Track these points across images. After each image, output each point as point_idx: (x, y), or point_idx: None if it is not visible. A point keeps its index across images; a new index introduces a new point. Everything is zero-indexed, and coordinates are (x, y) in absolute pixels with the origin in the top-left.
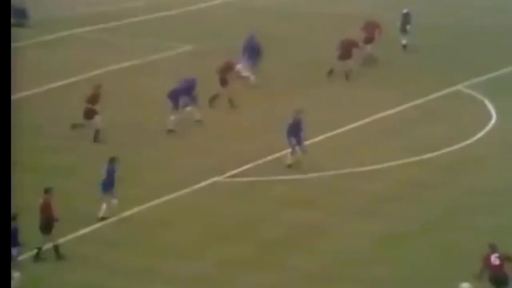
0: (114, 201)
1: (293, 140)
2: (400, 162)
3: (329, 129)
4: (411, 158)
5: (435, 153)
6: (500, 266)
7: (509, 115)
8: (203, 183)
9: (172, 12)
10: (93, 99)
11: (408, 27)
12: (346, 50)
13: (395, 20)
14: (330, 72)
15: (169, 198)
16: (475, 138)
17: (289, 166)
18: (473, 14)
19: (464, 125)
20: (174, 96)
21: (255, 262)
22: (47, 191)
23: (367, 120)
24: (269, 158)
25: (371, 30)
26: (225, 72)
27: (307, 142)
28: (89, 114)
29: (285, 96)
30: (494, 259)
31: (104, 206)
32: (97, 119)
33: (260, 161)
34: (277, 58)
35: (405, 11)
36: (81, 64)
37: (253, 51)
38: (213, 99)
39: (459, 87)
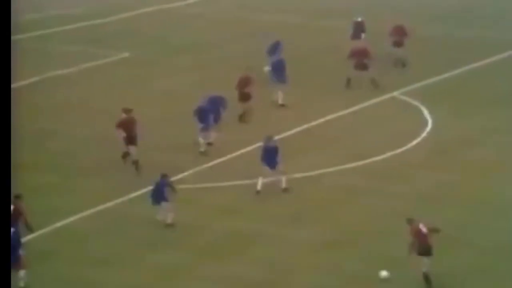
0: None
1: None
2: (334, 169)
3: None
4: (345, 165)
5: (369, 160)
6: (427, 235)
7: (444, 121)
8: (138, 192)
9: (107, 19)
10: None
11: (363, 35)
12: (360, 60)
13: (343, 28)
14: (348, 82)
15: (103, 208)
16: (411, 144)
17: (285, 190)
18: (409, 22)
19: (400, 131)
20: (203, 115)
21: (191, 270)
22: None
23: (304, 126)
24: (205, 166)
25: (399, 33)
26: (245, 87)
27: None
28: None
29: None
30: (423, 227)
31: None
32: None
33: (196, 169)
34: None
35: (359, 19)
36: (15, 72)
37: (279, 67)
38: (242, 117)
39: (395, 93)
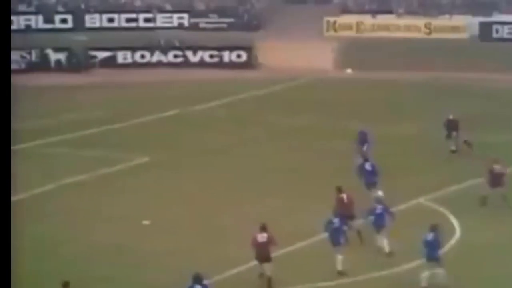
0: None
1: None
2: (362, 277)
3: None
4: (370, 273)
5: (392, 270)
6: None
7: (473, 230)
8: None
9: (127, 123)
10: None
11: (454, 133)
12: None
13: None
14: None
15: None
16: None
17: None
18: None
19: None
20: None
21: None
22: None
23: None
24: None
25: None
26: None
27: None
28: None
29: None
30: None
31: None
32: None
33: None
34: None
35: (450, 117)
36: (32, 179)
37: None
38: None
39: (421, 199)
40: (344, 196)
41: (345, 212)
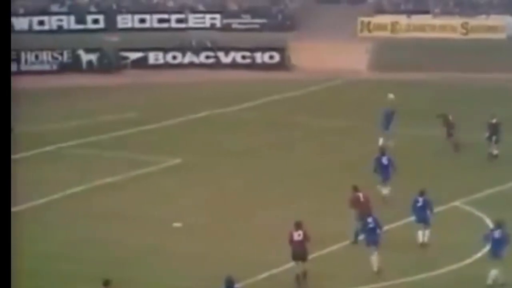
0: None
1: None
2: (389, 283)
3: None
4: (413, 276)
5: (432, 273)
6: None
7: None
8: None
9: (159, 124)
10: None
11: (494, 137)
12: None
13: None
14: None
15: None
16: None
17: None
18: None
19: (461, 243)
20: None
21: None
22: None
23: None
24: None
25: None
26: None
27: None
28: None
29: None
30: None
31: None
32: None
33: None
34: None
35: (494, 121)
36: (64, 180)
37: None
38: None
39: (457, 203)
40: (360, 195)
41: (362, 211)
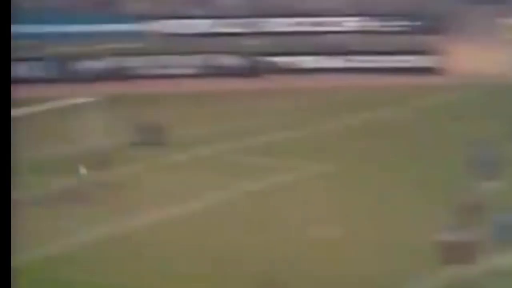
0: None
1: None
2: None
3: None
4: None
5: None
6: None
7: None
8: None
9: (301, 131)
10: None
11: None
12: None
13: None
14: None
15: None
16: None
17: None
18: None
19: None
20: None
21: None
22: None
23: None
24: None
25: None
26: None
27: None
28: None
29: None
30: None
31: None
32: None
33: None
34: None
35: None
36: (209, 186)
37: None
38: None
39: None
40: None
41: None
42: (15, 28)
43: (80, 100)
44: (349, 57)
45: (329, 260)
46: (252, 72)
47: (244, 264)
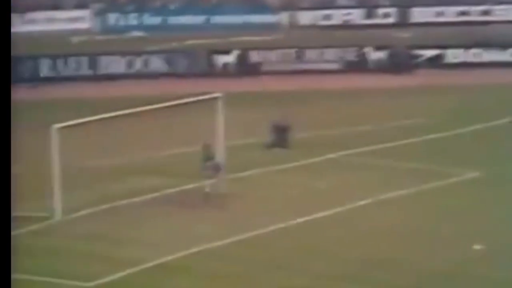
0: None
1: None
2: None
3: None
4: None
5: None
6: None
7: None
8: None
9: (451, 133)
10: None
11: None
12: None
13: None
14: None
15: None
16: None
17: None
18: None
19: None
20: None
21: None
22: None
23: None
24: None
25: None
26: None
27: None
28: None
29: None
30: None
31: None
32: None
33: None
34: None
35: None
36: (343, 192)
37: None
38: None
39: None
40: None
41: None
42: (146, 20)
43: (209, 96)
44: None
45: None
46: (400, 67)
47: (390, 276)
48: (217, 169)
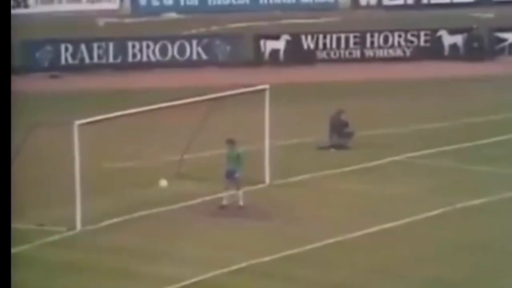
0: None
1: None
2: None
3: None
4: None
5: None
6: None
7: None
8: None
9: None
10: None
11: None
12: None
13: None
14: None
15: None
16: None
17: None
18: None
19: None
20: None
21: None
22: None
23: None
24: None
25: None
26: None
27: None
28: None
29: None
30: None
31: None
32: None
33: None
34: None
35: None
36: (411, 201)
37: None
38: None
39: None
40: None
41: None
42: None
43: (255, 89)
44: None
45: None
46: (481, 53)
47: None
48: (233, 177)
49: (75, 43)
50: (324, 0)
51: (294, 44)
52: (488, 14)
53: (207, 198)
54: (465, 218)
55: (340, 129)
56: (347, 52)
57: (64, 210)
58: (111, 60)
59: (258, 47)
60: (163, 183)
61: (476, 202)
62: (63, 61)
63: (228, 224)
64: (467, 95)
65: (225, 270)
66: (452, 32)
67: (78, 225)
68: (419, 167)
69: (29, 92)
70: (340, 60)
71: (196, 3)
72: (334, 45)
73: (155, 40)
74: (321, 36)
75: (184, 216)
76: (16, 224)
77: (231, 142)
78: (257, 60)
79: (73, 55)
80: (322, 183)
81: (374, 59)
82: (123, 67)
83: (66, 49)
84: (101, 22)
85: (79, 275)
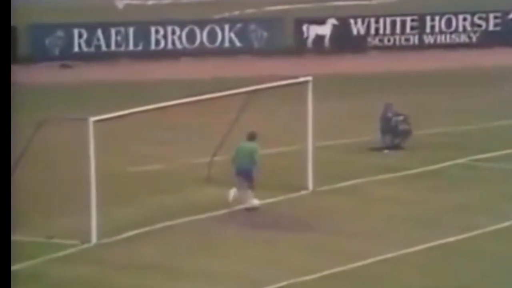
0: None
1: None
2: None
3: None
4: None
5: None
6: None
7: None
8: None
9: None
10: None
11: None
12: None
13: None
14: None
15: None
16: None
17: None
18: None
19: None
20: None
21: None
22: None
23: None
24: None
25: None
26: None
27: None
28: None
29: None
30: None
31: None
32: None
33: None
34: None
35: None
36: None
37: None
38: None
39: None
40: None
41: None
42: None
43: (296, 80)
44: None
45: None
46: None
47: None
48: (248, 176)
49: (90, 28)
50: None
51: (341, 30)
52: None
53: (241, 206)
54: None
55: (394, 127)
56: (403, 38)
57: (77, 221)
58: (131, 47)
59: (300, 33)
60: (232, 193)
61: None
62: (76, 49)
63: (265, 237)
64: None
65: None
66: None
67: (93, 238)
68: (485, 171)
69: (36, 84)
70: (394, 48)
71: None
72: (388, 31)
73: (182, 25)
74: (372, 20)
75: (213, 227)
76: (19, 236)
77: (252, 137)
78: (299, 48)
79: (88, 42)
80: (373, 190)
81: (435, 46)
82: (145, 55)
83: (80, 35)
84: (120, 4)
85: None
